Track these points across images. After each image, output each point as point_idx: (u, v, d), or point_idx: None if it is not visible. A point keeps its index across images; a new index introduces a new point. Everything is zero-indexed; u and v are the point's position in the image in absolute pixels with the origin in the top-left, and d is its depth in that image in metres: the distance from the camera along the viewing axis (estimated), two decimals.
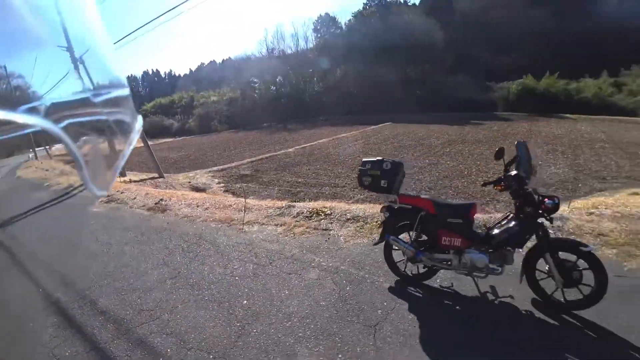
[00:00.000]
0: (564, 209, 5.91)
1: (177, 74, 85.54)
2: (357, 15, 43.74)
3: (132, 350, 2.81)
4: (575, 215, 5.34)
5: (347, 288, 3.19)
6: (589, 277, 2.69)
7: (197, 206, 6.37)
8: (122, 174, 12.96)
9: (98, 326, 3.19)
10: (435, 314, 2.82)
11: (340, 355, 2.43)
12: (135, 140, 1.05)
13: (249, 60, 51.00)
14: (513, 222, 2.85)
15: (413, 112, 33.53)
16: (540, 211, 2.72)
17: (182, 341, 2.83)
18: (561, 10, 45.05)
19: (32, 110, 0.69)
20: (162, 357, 2.72)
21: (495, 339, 2.53)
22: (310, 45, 47.96)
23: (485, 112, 32.68)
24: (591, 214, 5.47)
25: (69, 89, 0.83)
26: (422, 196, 3.04)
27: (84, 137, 0.82)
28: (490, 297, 2.97)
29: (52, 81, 0.80)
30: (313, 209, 5.06)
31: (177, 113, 49.95)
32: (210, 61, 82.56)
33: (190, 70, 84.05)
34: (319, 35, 45.80)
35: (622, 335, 2.49)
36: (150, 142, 15.34)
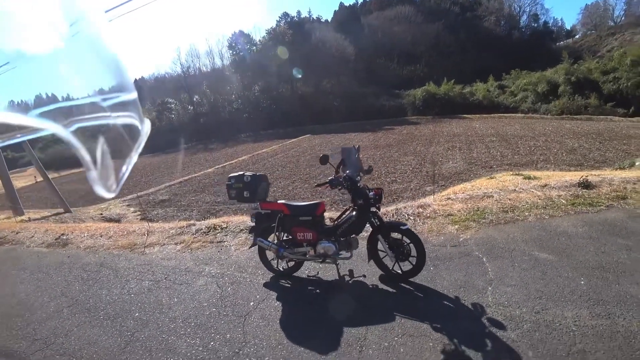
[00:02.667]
0: (430, 197, 7.18)
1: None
2: (270, 32, 44.89)
3: None
4: (436, 202, 6.52)
5: (229, 289, 3.75)
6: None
7: (101, 236, 6.40)
8: (19, 213, 11.93)
9: None
10: (297, 299, 3.49)
11: (212, 343, 2.96)
12: (143, 143, 1.10)
13: (164, 80, 49.15)
14: (352, 214, 3.63)
15: (331, 122, 35.31)
16: (371, 201, 3.51)
17: (74, 358, 3.11)
18: (452, 24, 51.50)
19: (43, 115, 0.72)
20: None
21: (343, 311, 3.22)
22: (226, 62, 47.89)
23: (396, 118, 35.82)
24: (448, 199, 6.73)
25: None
26: (279, 201, 3.72)
27: (93, 141, 0.87)
28: (347, 278, 3.71)
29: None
30: (211, 224, 5.53)
31: None
32: None
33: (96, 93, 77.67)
34: (234, 52, 46.01)
35: (446, 292, 3.31)
36: (54, 175, 14.28)
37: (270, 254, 3.83)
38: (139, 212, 12.01)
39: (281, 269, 3.90)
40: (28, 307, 4.24)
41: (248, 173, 3.68)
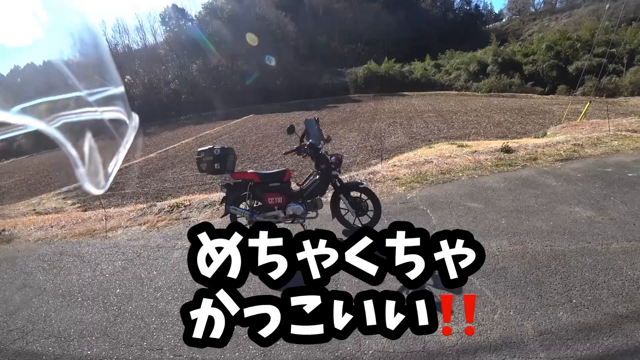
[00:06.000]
0: (379, 166, 7.86)
1: None
2: (208, 7, 42.52)
3: None
4: (384, 169, 7.18)
5: None
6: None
7: (52, 227, 6.14)
8: None
9: None
10: None
11: None
12: (132, 138, 1.09)
13: None
14: (316, 177, 4.08)
15: (274, 101, 35.08)
16: (333, 166, 3.99)
17: (63, 337, 3.20)
18: (391, 4, 52.50)
19: (25, 111, 0.68)
20: (45, 355, 3.07)
21: None
22: (160, 39, 44.72)
23: (339, 96, 36.53)
24: (394, 166, 7.45)
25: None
26: (249, 171, 4.04)
27: (79, 136, 0.84)
28: None
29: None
30: (174, 203, 5.64)
31: None
32: (28, 64, 68.52)
33: (2, 76, 68.36)
34: (167, 28, 42.98)
35: None
36: None
37: (242, 221, 4.14)
38: (79, 205, 11.35)
39: None
40: None
41: (217, 146, 3.91)
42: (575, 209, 4.25)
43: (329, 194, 4.37)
